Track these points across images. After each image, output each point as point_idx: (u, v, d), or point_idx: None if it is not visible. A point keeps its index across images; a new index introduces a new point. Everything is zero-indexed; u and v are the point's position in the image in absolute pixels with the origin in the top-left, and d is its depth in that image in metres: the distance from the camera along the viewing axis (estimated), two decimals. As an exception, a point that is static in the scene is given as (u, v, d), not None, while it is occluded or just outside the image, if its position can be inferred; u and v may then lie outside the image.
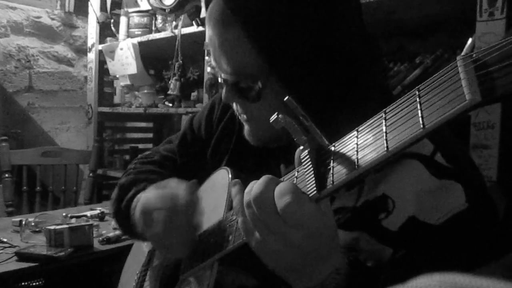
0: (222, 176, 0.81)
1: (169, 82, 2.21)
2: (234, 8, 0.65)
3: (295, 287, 0.55)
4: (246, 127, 0.77)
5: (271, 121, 0.50)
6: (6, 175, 2.24)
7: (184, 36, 2.09)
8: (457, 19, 1.49)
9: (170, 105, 2.27)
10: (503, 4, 1.13)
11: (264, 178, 0.52)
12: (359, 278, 0.54)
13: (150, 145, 2.88)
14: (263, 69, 0.67)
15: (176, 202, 0.75)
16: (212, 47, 0.72)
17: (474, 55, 0.35)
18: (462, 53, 1.32)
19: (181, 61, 2.14)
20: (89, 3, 2.55)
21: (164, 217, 0.74)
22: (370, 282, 0.56)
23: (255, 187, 0.51)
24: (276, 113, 0.49)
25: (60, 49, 2.95)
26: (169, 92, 2.21)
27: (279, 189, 0.50)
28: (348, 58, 0.66)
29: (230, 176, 0.78)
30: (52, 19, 2.89)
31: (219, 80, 0.73)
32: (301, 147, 0.50)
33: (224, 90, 0.74)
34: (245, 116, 0.76)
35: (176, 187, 0.78)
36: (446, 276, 0.26)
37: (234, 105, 0.77)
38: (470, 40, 1.32)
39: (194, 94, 2.22)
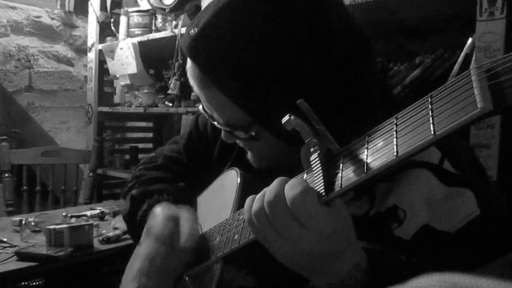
0: (231, 177, 0.81)
1: (169, 81, 2.21)
2: (207, 72, 0.65)
3: (314, 284, 0.56)
4: (249, 154, 0.78)
5: (282, 122, 0.50)
6: (6, 175, 2.24)
7: (184, 35, 2.09)
8: (457, 19, 1.49)
9: (170, 104, 2.27)
10: (503, 4, 1.13)
11: (277, 180, 0.52)
12: (379, 274, 0.54)
13: (150, 145, 2.88)
14: (252, 121, 0.67)
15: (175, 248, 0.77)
16: (201, 99, 0.72)
17: (487, 65, 0.36)
18: (462, 53, 1.33)
19: (181, 61, 2.14)
20: (89, 2, 2.55)
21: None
22: (391, 278, 0.56)
23: (268, 189, 0.52)
24: (288, 114, 0.49)
25: (60, 48, 2.94)
26: (169, 91, 2.21)
27: (289, 184, 0.50)
28: (336, 80, 0.64)
29: (239, 177, 0.78)
30: (52, 18, 2.89)
31: (216, 125, 0.73)
32: (311, 149, 0.50)
33: (222, 133, 0.75)
34: (247, 148, 0.76)
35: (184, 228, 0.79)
36: (445, 276, 0.26)
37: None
38: (470, 40, 1.31)
39: (194, 94, 2.21)
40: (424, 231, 0.59)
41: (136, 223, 0.90)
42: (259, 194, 0.53)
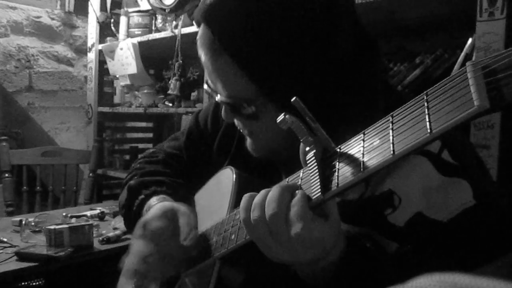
0: (226, 176, 0.81)
1: (169, 82, 2.21)
2: (221, 37, 0.66)
3: (298, 271, 0.61)
4: (248, 140, 0.78)
5: (277, 122, 0.50)
6: (6, 175, 2.24)
7: (184, 36, 2.09)
8: (457, 19, 1.49)
9: (170, 105, 2.27)
10: (503, 4, 1.13)
11: (278, 189, 0.53)
12: (353, 262, 0.58)
13: (150, 145, 2.88)
14: (257, 93, 0.68)
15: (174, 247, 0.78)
16: (206, 70, 0.73)
17: (483, 62, 0.35)
18: (462, 53, 1.33)
19: (181, 61, 2.14)
20: (89, 3, 2.55)
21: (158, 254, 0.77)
22: (369, 263, 0.59)
23: (269, 198, 0.53)
24: (283, 114, 0.49)
25: (60, 49, 2.94)
26: (169, 92, 2.21)
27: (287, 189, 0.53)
28: (344, 67, 0.66)
29: (234, 175, 0.78)
30: (52, 19, 2.89)
31: (216, 99, 0.74)
32: (307, 148, 0.50)
33: (223, 109, 0.75)
34: (246, 131, 0.77)
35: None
36: (446, 276, 0.26)
37: (235, 120, 0.78)
38: (470, 40, 1.31)
39: (194, 94, 2.22)
40: (418, 219, 0.60)
41: (132, 213, 0.91)
42: (258, 200, 0.54)
